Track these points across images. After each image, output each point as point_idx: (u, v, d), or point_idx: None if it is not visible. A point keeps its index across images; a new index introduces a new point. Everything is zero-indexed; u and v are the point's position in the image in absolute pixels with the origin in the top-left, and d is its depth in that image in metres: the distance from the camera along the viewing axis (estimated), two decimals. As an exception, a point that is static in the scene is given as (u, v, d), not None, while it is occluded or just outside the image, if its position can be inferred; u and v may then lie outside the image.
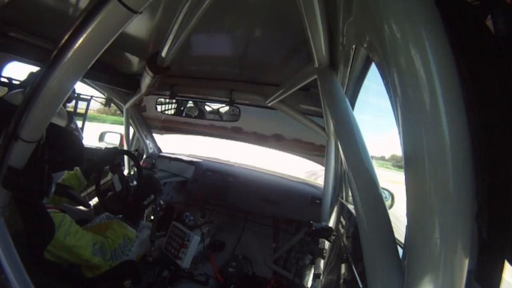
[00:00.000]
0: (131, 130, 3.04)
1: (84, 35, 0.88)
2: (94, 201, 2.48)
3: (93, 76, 2.02)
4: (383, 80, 0.59)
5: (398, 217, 1.06)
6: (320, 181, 2.83)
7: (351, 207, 1.88)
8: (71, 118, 1.61)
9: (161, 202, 2.26)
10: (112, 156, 2.12)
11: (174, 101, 2.53)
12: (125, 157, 2.91)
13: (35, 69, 1.54)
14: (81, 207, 2.10)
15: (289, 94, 1.78)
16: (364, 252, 0.65)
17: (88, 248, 1.50)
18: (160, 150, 3.44)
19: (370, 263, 0.62)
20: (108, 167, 2.14)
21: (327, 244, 1.98)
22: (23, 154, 1.14)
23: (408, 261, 0.48)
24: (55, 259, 1.43)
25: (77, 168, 1.94)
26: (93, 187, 2.36)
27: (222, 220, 3.02)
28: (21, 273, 1.17)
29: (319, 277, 1.77)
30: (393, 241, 0.62)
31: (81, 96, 2.83)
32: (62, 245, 1.41)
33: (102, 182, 2.27)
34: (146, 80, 1.80)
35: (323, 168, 2.24)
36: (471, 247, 0.42)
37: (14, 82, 1.63)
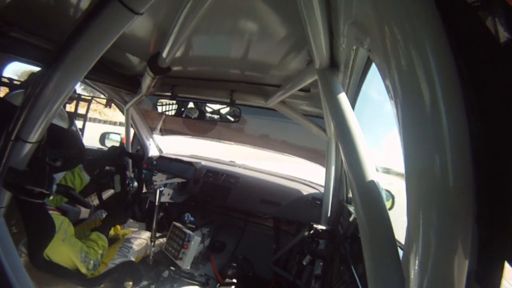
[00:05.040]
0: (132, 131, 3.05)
1: (85, 36, 0.88)
2: (95, 202, 2.48)
3: (93, 76, 2.02)
4: (383, 81, 0.59)
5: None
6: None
7: (351, 208, 1.87)
8: (72, 120, 1.61)
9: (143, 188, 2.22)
10: (119, 156, 2.11)
11: (174, 102, 2.53)
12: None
13: (36, 69, 1.54)
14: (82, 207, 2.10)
15: (289, 95, 1.78)
16: (364, 253, 0.65)
17: (78, 254, 1.50)
18: (160, 151, 3.44)
19: (370, 264, 0.62)
20: (111, 167, 2.14)
21: (327, 245, 1.98)
22: (24, 154, 1.15)
23: (408, 262, 0.48)
24: (53, 260, 1.43)
25: (80, 165, 1.92)
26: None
27: (223, 221, 3.02)
28: (21, 273, 1.17)
29: (319, 278, 1.77)
30: (393, 242, 0.62)
31: (82, 96, 2.83)
32: (59, 248, 1.42)
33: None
34: (147, 81, 1.80)
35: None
36: (471, 248, 0.42)
37: (15, 82, 1.63)
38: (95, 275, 1.63)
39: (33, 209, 1.36)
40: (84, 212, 2.23)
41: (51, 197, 1.55)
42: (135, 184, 2.14)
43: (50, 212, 1.45)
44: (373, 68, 1.28)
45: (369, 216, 0.67)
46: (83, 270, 1.53)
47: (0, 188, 1.16)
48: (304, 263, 2.00)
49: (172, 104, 2.53)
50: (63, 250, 1.44)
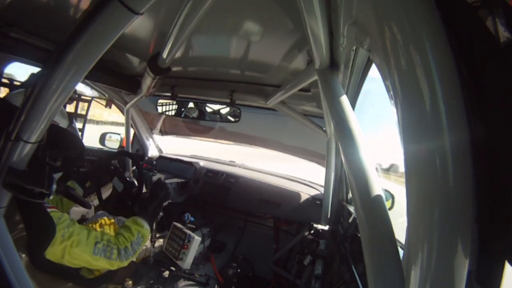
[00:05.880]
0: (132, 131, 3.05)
1: (85, 36, 0.88)
2: (95, 202, 2.49)
3: (93, 76, 2.02)
4: (383, 81, 0.59)
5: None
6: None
7: (351, 208, 1.88)
8: (71, 120, 1.62)
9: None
10: (105, 162, 2.14)
11: (174, 102, 2.53)
12: (127, 158, 2.91)
13: (36, 70, 1.54)
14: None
15: (289, 95, 1.78)
16: (364, 253, 0.65)
17: (88, 248, 1.44)
18: (161, 151, 3.44)
19: (371, 264, 0.62)
20: (106, 174, 2.17)
21: (327, 245, 1.98)
22: (24, 155, 1.15)
23: (408, 262, 0.48)
24: (55, 259, 1.42)
25: (72, 181, 1.98)
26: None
27: (223, 221, 3.02)
28: (21, 273, 1.17)
29: (319, 278, 1.77)
30: (394, 242, 0.62)
31: (82, 97, 2.83)
32: (61, 245, 1.40)
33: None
34: (147, 81, 1.80)
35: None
36: (471, 248, 0.42)
37: (15, 82, 1.63)
38: (97, 275, 1.62)
39: (33, 209, 1.36)
40: (79, 213, 2.23)
41: (51, 197, 1.55)
42: (135, 183, 2.15)
43: (49, 210, 1.44)
44: (373, 68, 1.28)
45: (369, 216, 0.67)
46: (98, 262, 1.47)
47: (0, 188, 1.16)
48: (305, 263, 2.00)
49: (172, 104, 2.53)
50: (65, 246, 1.41)
